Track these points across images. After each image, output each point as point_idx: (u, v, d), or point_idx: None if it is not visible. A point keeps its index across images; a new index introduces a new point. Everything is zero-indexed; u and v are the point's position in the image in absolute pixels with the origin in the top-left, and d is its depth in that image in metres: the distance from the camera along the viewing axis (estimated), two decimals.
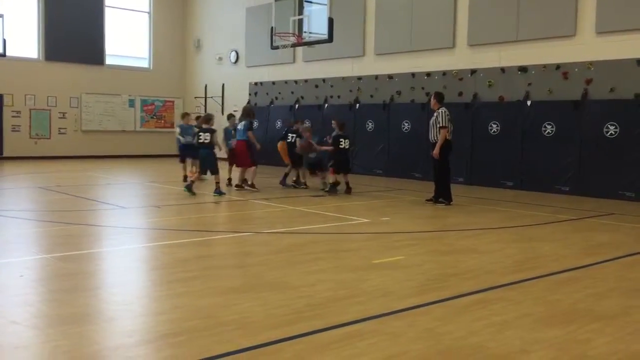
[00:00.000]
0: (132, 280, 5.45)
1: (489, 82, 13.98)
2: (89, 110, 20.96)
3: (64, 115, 20.56)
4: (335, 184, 11.71)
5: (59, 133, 20.53)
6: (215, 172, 11.08)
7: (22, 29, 19.47)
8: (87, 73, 20.82)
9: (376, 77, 16.38)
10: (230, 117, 13.39)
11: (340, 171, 11.77)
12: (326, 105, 17.66)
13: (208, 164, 11.14)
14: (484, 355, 3.57)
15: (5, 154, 19.32)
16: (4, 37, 17.10)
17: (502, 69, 13.74)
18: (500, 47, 13.82)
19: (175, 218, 8.79)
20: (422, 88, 15.15)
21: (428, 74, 15.16)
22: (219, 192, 10.98)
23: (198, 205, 10.16)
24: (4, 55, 17.22)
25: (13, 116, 19.58)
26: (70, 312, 4.22)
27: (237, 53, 20.82)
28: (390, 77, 16.04)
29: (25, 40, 19.67)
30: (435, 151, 10.03)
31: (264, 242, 7.08)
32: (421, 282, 5.28)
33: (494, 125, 13.74)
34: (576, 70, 12.52)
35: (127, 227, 8.09)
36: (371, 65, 16.61)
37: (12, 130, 19.57)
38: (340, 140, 11.67)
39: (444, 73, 14.80)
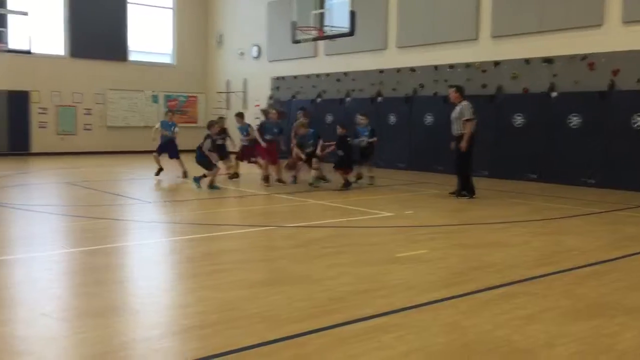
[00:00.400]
0: (158, 274, 5.51)
1: (513, 74, 13.82)
2: (113, 106, 21.20)
3: (89, 111, 20.83)
4: (348, 183, 11.44)
5: (85, 129, 20.81)
6: (207, 168, 11.05)
7: (47, 26, 19.75)
8: (112, 69, 21.04)
9: (398, 70, 16.30)
10: (239, 115, 13.42)
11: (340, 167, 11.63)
12: (348, 99, 17.63)
13: (199, 163, 11.19)
14: (509, 349, 3.54)
15: (32, 150, 19.66)
16: (30, 35, 17.39)
17: (527, 60, 13.56)
18: (524, 38, 13.64)
19: (199, 212, 8.87)
20: (445, 80, 15.01)
21: (451, 67, 15.03)
22: (212, 186, 10.99)
23: (222, 199, 10.22)
24: (30, 52, 17.50)
25: (40, 113, 19.89)
26: (98, 305, 4.29)
27: (259, 48, 20.86)
28: (412, 70, 15.94)
29: (51, 37, 19.95)
30: (464, 144, 9.90)
31: (287, 236, 7.10)
32: (445, 275, 5.25)
33: (518, 118, 13.58)
34: (603, 60, 12.30)
35: (153, 221, 8.18)
36: (393, 58, 16.52)
37: (39, 127, 19.89)
38: (347, 139, 11.46)
39: (467, 65, 14.66)
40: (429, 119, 15.43)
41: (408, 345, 3.56)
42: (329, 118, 17.70)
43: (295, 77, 19.43)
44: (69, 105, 20.43)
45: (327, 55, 18.41)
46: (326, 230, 7.40)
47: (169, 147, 13.11)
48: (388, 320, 4.00)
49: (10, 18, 17.93)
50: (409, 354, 3.43)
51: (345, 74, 17.76)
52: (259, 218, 8.71)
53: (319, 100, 18.51)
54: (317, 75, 18.66)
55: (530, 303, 4.44)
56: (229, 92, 21.98)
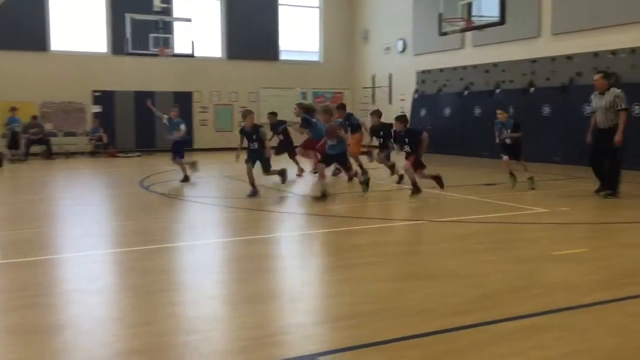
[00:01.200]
0: (311, 263, 5.73)
1: None
2: (265, 104, 22.27)
3: (244, 109, 22.08)
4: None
5: (240, 126, 22.07)
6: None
7: (207, 31, 21.24)
8: (264, 69, 22.13)
9: (553, 58, 15.37)
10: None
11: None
12: (497, 90, 16.97)
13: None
14: None
15: (195, 146, 21.27)
16: (192, 39, 18.79)
17: None
18: None
19: (346, 206, 9.05)
20: (608, 68, 13.88)
21: (613, 52, 13.89)
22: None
23: (368, 194, 10.31)
24: (192, 56, 18.92)
25: (200, 111, 21.51)
26: (256, 291, 4.56)
27: (404, 42, 20.76)
28: (569, 57, 14.96)
29: (210, 41, 21.43)
30: (619, 137, 9.00)
31: (437, 231, 7.03)
32: (608, 276, 4.90)
33: None
34: None
35: (305, 213, 8.50)
36: (547, 46, 15.62)
37: (201, 125, 21.50)
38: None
39: (633, 50, 13.45)
40: (587, 109, 14.38)
41: (569, 346, 3.38)
42: (477, 111, 17.18)
43: (441, 70, 19.08)
44: (226, 104, 21.82)
45: (474, 46, 17.85)
46: (477, 226, 7.22)
47: (175, 147, 12.03)
48: (546, 320, 3.82)
49: (175, 25, 19.50)
50: (569, 356, 3.27)
51: (495, 64, 17.11)
52: (405, 212, 8.70)
53: (466, 93, 18.02)
54: (464, 67, 18.17)
55: None
56: (375, 87, 22.12)
